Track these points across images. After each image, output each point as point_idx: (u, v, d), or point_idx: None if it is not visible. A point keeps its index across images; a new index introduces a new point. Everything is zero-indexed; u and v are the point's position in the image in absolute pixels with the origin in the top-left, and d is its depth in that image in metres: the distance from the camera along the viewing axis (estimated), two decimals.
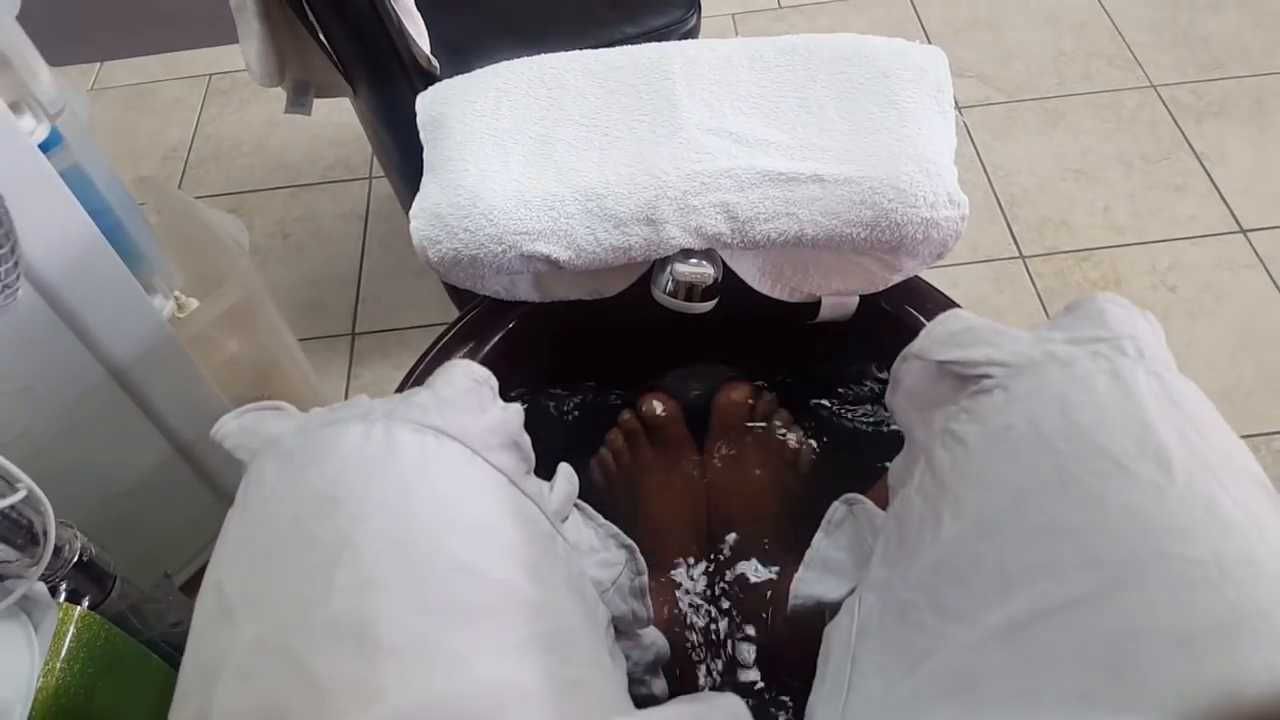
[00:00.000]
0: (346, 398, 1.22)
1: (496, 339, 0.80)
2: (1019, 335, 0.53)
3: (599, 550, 0.66)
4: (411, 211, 0.73)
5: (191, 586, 0.46)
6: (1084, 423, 0.45)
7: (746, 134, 0.74)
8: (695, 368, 0.96)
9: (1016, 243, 1.41)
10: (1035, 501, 0.44)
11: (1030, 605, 0.41)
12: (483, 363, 0.58)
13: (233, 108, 1.73)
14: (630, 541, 0.68)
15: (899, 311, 0.79)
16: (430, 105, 0.78)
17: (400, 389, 0.73)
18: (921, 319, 0.77)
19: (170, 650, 0.73)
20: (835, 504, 0.68)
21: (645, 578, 0.67)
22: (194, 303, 0.97)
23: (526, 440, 0.57)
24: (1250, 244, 1.38)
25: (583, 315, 0.82)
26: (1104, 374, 0.47)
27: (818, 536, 0.67)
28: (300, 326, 1.38)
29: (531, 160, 0.73)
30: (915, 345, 0.61)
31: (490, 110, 0.76)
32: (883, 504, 0.62)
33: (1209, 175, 1.47)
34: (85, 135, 0.81)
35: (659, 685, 0.72)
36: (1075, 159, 1.52)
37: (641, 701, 0.70)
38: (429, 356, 0.78)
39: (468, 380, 0.55)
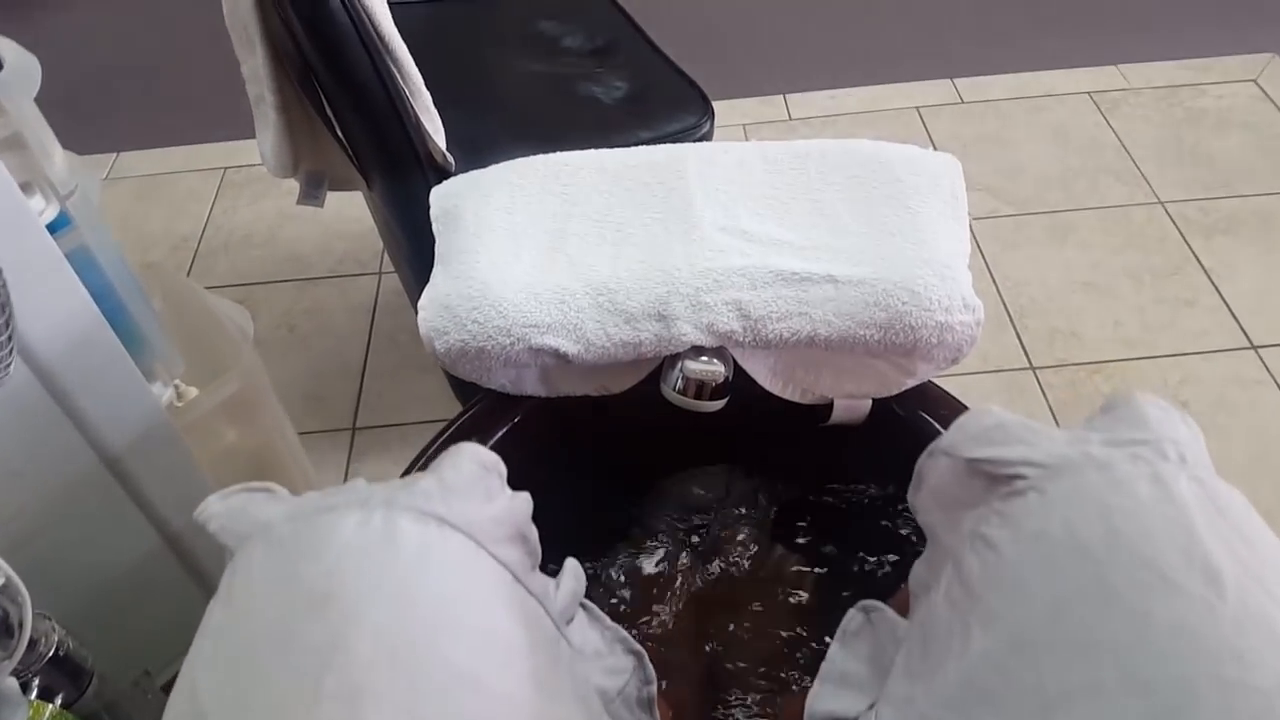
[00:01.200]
0: None
1: (501, 434, 0.78)
2: (1054, 434, 0.51)
3: (605, 655, 0.63)
4: (420, 302, 0.72)
5: (172, 686, 0.43)
6: (1126, 530, 0.42)
7: (760, 233, 0.73)
8: (701, 470, 0.94)
9: (1027, 354, 1.40)
10: (1074, 615, 0.41)
11: None
12: None
13: (246, 200, 1.74)
14: (639, 647, 0.65)
15: (912, 417, 0.78)
16: (444, 198, 0.78)
17: None
18: (936, 425, 0.75)
19: None
20: (851, 611, 0.64)
21: (654, 687, 0.64)
22: (194, 391, 0.95)
23: (534, 532, 0.54)
24: (1261, 360, 1.37)
25: (589, 412, 0.80)
26: (1145, 479, 0.44)
27: (833, 648, 0.62)
28: (301, 419, 1.36)
29: (543, 254, 0.73)
30: (944, 441, 0.58)
31: (504, 204, 0.76)
32: (904, 613, 0.59)
33: (1218, 290, 1.47)
34: (95, 217, 0.81)
35: None
36: (1084, 271, 1.52)
37: None
38: (430, 451, 0.76)
39: (475, 465, 0.52)
